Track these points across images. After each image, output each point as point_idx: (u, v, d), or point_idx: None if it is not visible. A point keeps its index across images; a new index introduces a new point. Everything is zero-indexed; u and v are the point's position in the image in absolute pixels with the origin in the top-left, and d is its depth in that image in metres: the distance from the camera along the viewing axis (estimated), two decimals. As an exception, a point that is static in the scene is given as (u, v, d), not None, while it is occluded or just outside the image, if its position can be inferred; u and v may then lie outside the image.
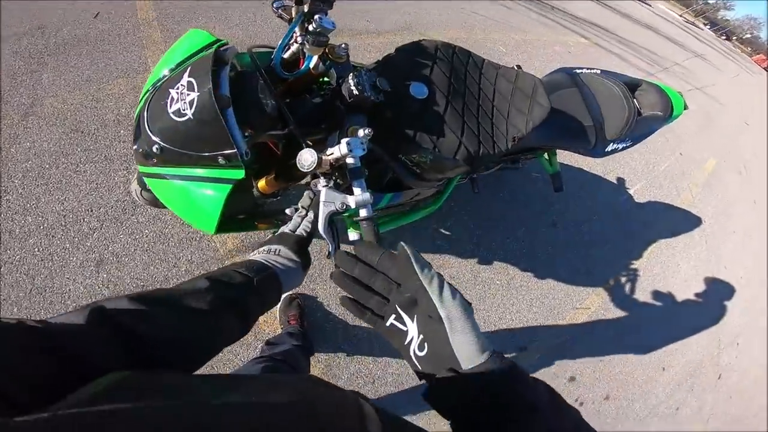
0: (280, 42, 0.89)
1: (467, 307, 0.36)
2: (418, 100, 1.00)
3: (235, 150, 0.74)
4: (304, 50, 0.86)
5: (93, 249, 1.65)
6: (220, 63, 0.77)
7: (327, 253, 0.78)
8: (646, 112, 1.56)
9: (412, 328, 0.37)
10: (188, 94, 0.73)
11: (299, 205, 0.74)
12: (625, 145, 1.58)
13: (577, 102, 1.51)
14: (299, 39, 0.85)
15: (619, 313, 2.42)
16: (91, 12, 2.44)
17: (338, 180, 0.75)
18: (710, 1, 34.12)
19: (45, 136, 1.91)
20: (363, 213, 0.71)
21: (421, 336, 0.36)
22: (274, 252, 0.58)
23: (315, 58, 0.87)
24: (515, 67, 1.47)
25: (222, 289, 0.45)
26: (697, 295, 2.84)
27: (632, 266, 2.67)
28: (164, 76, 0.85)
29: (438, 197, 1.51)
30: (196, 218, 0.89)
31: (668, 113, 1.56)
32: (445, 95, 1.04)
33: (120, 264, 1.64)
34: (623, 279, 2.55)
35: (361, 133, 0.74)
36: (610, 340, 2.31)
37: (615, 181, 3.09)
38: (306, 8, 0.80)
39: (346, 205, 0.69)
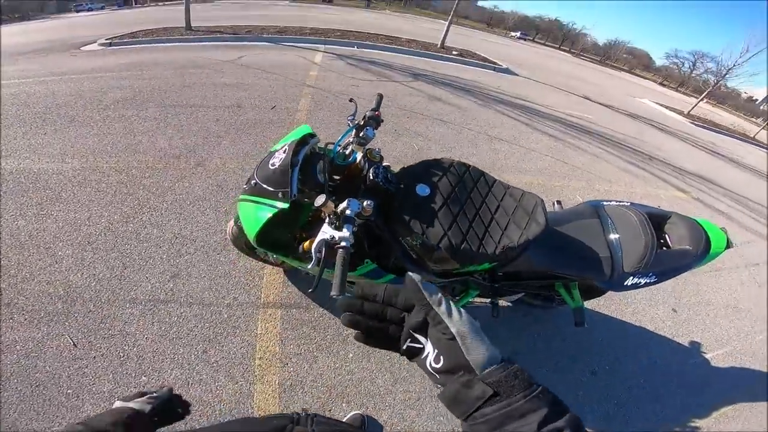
0: (338, 139, 1.32)
1: (474, 323, 0.40)
2: (420, 196, 1.26)
3: (288, 189, 1.14)
4: (353, 148, 1.29)
5: (177, 265, 2.04)
6: (305, 144, 1.25)
7: (330, 296, 0.95)
8: (674, 247, 1.47)
9: (427, 346, 0.41)
10: (281, 156, 1.23)
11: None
12: (648, 281, 1.45)
13: (596, 232, 1.50)
14: (352, 138, 1.29)
15: None
16: (270, 104, 3.52)
17: (336, 223, 1.01)
18: None
19: (200, 183, 2.67)
20: (342, 244, 0.94)
21: (436, 351, 0.40)
22: None
23: (359, 155, 1.24)
24: (555, 203, 1.64)
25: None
26: None
27: (692, 424, 1.95)
28: (276, 149, 1.34)
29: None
30: (249, 227, 1.25)
31: (701, 249, 1.43)
32: (444, 198, 1.27)
33: (187, 281, 1.96)
34: None
35: (364, 203, 1.04)
36: None
37: (687, 344, 2.45)
38: (361, 123, 1.29)
39: (333, 237, 0.95)
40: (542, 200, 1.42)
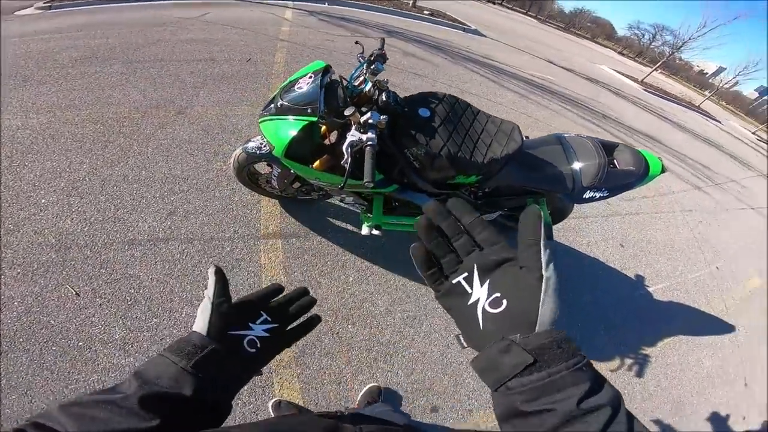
0: (353, 71, 1.58)
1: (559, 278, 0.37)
2: (422, 117, 1.49)
3: (318, 105, 1.32)
4: (365, 77, 1.49)
5: (172, 203, 2.02)
6: (327, 73, 1.45)
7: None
8: (621, 167, 1.77)
9: (478, 291, 0.37)
10: (309, 81, 1.41)
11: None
12: (602, 195, 1.75)
13: (560, 156, 1.78)
14: (365, 70, 1.49)
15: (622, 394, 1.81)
16: (246, 56, 3.41)
17: (362, 130, 1.22)
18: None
19: (183, 129, 2.59)
20: (369, 143, 1.17)
21: (497, 294, 0.36)
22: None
23: (370, 83, 1.43)
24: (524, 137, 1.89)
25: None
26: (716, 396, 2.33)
27: (643, 351, 2.33)
28: (295, 78, 1.50)
29: None
30: (277, 141, 1.39)
31: (642, 170, 1.76)
32: (442, 119, 1.50)
33: (185, 218, 1.96)
34: (631, 361, 2.23)
35: (381, 116, 1.25)
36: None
37: (633, 277, 2.83)
38: (372, 59, 1.51)
39: (361, 139, 1.17)
40: (518, 126, 1.70)
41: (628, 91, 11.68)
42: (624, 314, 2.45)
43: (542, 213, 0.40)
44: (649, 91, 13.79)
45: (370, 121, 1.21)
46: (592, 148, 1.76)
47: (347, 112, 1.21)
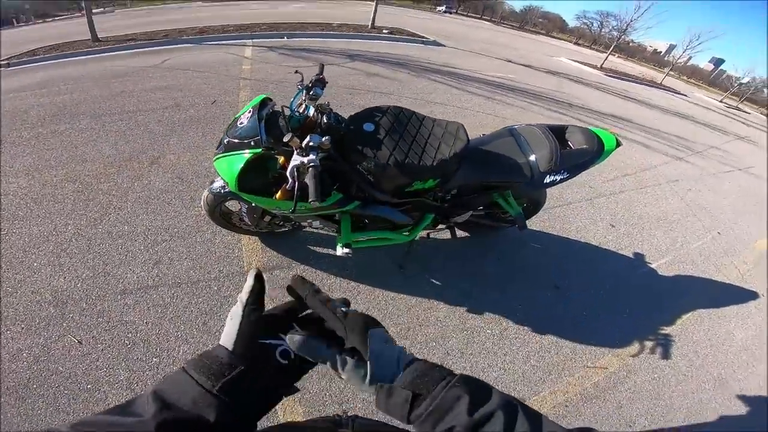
0: (292, 100, 1.65)
1: (357, 364, 0.41)
2: (367, 131, 1.57)
3: (259, 137, 1.40)
4: (306, 104, 1.58)
5: (157, 252, 2.16)
6: (265, 106, 1.54)
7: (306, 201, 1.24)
8: (575, 147, 1.84)
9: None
10: (248, 116, 1.50)
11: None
12: (562, 177, 1.82)
13: (513, 147, 1.85)
14: (304, 97, 1.58)
15: (646, 379, 1.95)
16: (210, 98, 3.59)
17: (303, 154, 1.28)
18: (744, 82, 30.74)
19: (158, 179, 2.74)
20: (311, 164, 1.22)
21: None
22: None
23: (312, 109, 1.52)
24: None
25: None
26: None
27: (663, 332, 2.27)
28: (239, 116, 1.59)
29: (413, 230, 1.95)
30: (228, 176, 1.48)
31: (596, 147, 1.82)
32: (386, 130, 1.58)
33: (170, 265, 2.09)
34: (651, 343, 2.17)
35: (323, 138, 1.30)
36: (633, 411, 1.80)
37: (631, 256, 2.84)
38: (309, 84, 1.60)
39: (303, 162, 1.23)
40: (463, 125, 1.78)
41: (590, 78, 12.15)
42: (630, 296, 2.41)
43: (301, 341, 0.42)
44: (610, 76, 14.38)
45: (311, 143, 1.26)
46: (541, 134, 1.82)
47: (285, 139, 1.25)
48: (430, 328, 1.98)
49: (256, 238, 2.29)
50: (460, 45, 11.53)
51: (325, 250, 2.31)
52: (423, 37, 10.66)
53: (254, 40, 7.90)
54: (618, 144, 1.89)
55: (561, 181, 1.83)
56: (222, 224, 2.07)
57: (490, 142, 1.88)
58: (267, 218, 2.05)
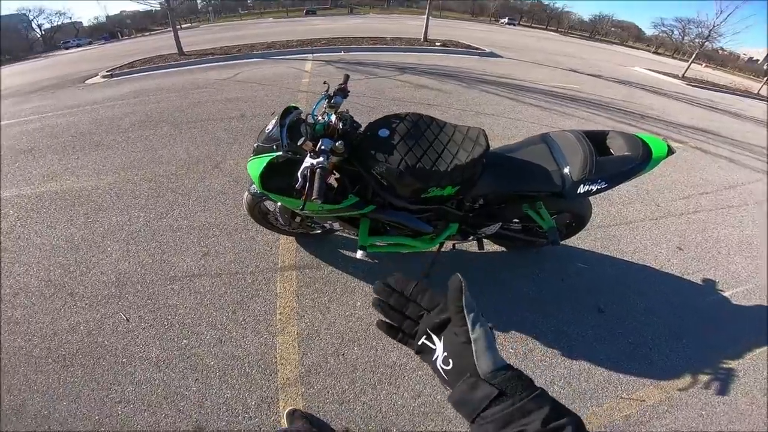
0: (313, 107, 1.67)
1: (489, 335, 0.43)
2: (381, 137, 1.57)
3: (280, 141, 1.51)
4: (326, 111, 1.64)
5: (207, 246, 2.41)
6: (289, 113, 1.62)
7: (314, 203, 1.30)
8: (615, 154, 1.67)
9: (439, 347, 0.44)
10: (272, 122, 1.61)
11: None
12: (599, 186, 1.64)
13: (544, 154, 1.73)
14: (325, 105, 1.65)
15: (691, 415, 1.67)
16: (270, 110, 3.89)
17: (315, 157, 1.34)
18: None
19: (218, 181, 3.06)
20: (319, 166, 1.29)
21: (446, 353, 0.43)
22: None
23: (333, 116, 1.55)
24: None
25: None
26: None
27: (725, 365, 1.93)
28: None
29: (435, 238, 1.89)
30: (254, 175, 1.61)
31: (641, 154, 1.62)
32: (401, 135, 1.57)
33: (215, 258, 2.32)
34: (708, 377, 1.87)
35: (337, 143, 1.37)
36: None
37: (699, 282, 2.46)
38: (331, 93, 1.66)
39: (312, 163, 1.29)
40: (484, 130, 1.69)
41: (669, 88, 10.85)
42: (690, 325, 2.15)
43: (462, 282, 0.44)
44: (693, 85, 12.76)
45: (323, 147, 1.34)
46: (575, 140, 1.68)
47: (299, 142, 1.33)
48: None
49: (293, 239, 2.44)
50: (520, 56, 11.15)
51: (353, 254, 2.37)
52: (478, 48, 10.54)
53: (314, 55, 8.47)
54: (670, 152, 1.67)
55: (598, 191, 1.65)
56: (261, 223, 2.23)
57: (519, 150, 1.79)
58: (298, 219, 2.16)
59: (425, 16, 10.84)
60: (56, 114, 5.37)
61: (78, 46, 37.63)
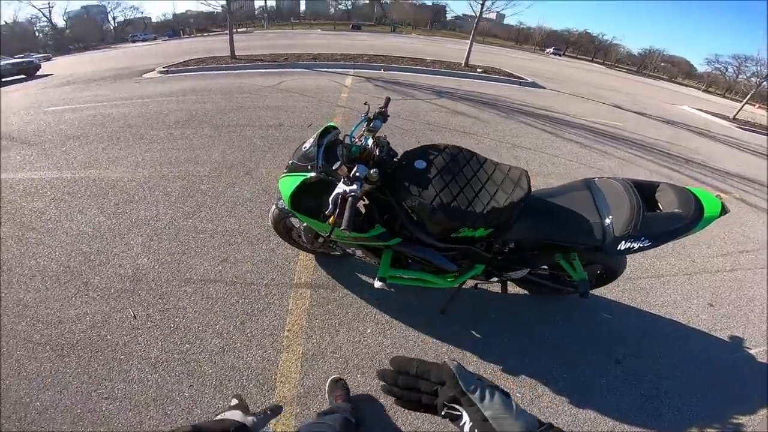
0: (352, 129, 1.64)
1: (506, 400, 0.43)
2: (417, 168, 1.50)
3: (315, 162, 1.45)
4: (364, 135, 1.58)
5: (227, 252, 2.39)
6: (328, 133, 1.57)
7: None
8: (664, 210, 1.52)
9: (465, 414, 0.44)
10: (310, 141, 1.54)
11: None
12: (642, 245, 1.49)
13: (587, 202, 1.60)
14: (364, 128, 1.59)
15: None
16: (307, 122, 3.93)
17: (349, 183, 1.29)
18: None
19: (248, 188, 3.09)
20: (352, 194, 1.23)
21: (471, 423, 0.43)
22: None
23: (371, 140, 1.51)
24: None
25: None
26: None
27: (734, 420, 1.81)
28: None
29: (458, 277, 1.79)
30: (285, 194, 1.56)
31: (692, 212, 1.47)
32: (438, 170, 1.49)
33: (233, 265, 2.29)
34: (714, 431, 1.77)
35: (371, 170, 1.30)
36: None
37: (726, 339, 2.34)
38: (371, 116, 1.59)
39: (345, 191, 1.24)
40: (527, 171, 1.59)
41: (717, 130, 10.23)
42: (708, 379, 2.07)
43: (453, 369, 0.45)
44: (744, 129, 11.77)
45: (357, 174, 1.28)
46: (622, 191, 1.55)
47: (335, 167, 1.27)
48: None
49: (312, 256, 2.39)
50: (563, 88, 10.95)
51: (371, 280, 2.29)
52: (519, 77, 10.42)
53: (356, 70, 8.66)
54: (724, 211, 1.51)
55: (640, 249, 1.51)
56: (284, 237, 2.20)
57: (561, 195, 1.67)
58: (321, 239, 2.11)
59: (469, 41, 10.88)
60: (111, 104, 5.73)
61: (144, 40, 40.59)
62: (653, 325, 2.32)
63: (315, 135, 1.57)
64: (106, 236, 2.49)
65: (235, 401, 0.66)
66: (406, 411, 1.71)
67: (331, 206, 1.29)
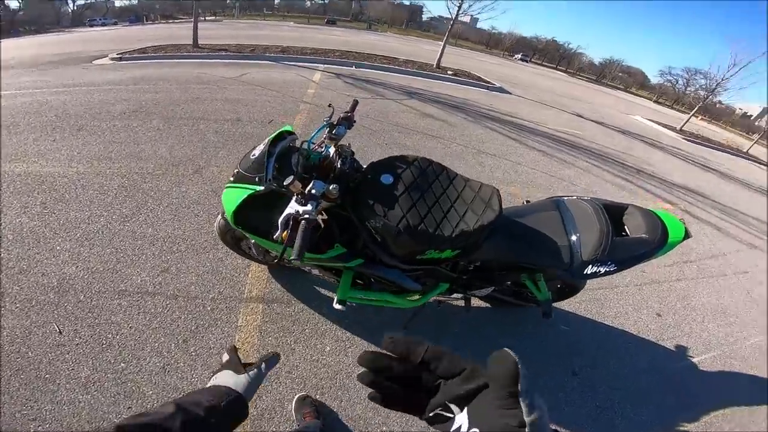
0: (312, 135, 1.49)
1: (545, 415, 0.34)
2: (384, 184, 1.38)
3: (264, 174, 1.29)
4: (326, 143, 1.44)
5: (168, 261, 2.19)
6: (282, 139, 1.41)
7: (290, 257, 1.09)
8: (631, 235, 1.53)
9: (460, 417, 0.36)
10: (260, 148, 1.37)
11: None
12: (608, 269, 1.49)
13: (556, 224, 1.57)
14: (325, 134, 1.44)
15: None
16: (268, 118, 3.74)
17: (302, 201, 1.16)
18: None
19: (195, 189, 2.86)
20: (305, 216, 1.09)
21: (476, 429, 0.35)
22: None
23: (332, 149, 1.39)
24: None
25: (191, 413, 0.52)
26: None
27: (681, 428, 1.94)
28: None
29: (422, 297, 1.72)
30: (228, 207, 1.39)
31: (658, 238, 1.49)
32: (406, 186, 1.39)
33: (176, 276, 2.10)
34: None
35: (330, 186, 1.16)
36: None
37: (672, 348, 2.50)
38: (334, 122, 1.45)
39: (298, 211, 1.11)
40: (498, 191, 1.55)
41: (666, 141, 11.09)
42: (658, 388, 2.16)
43: (519, 364, 0.34)
44: (689, 140, 13.00)
45: (313, 191, 1.12)
46: (592, 213, 1.54)
47: (286, 182, 1.10)
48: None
49: (265, 268, 2.24)
50: (528, 94, 11.32)
51: (330, 294, 2.18)
52: (488, 82, 10.65)
53: (326, 66, 8.44)
54: (687, 236, 1.56)
55: (606, 274, 1.52)
56: (233, 248, 2.03)
57: (529, 215, 1.64)
58: (273, 253, 1.99)
59: (442, 43, 10.97)
60: (50, 91, 5.18)
61: (103, 25, 37.83)
62: (607, 336, 2.42)
63: (266, 141, 1.39)
64: (29, 240, 2.20)
65: (226, 356, 0.64)
66: (380, 414, 1.68)
67: (280, 228, 1.15)
